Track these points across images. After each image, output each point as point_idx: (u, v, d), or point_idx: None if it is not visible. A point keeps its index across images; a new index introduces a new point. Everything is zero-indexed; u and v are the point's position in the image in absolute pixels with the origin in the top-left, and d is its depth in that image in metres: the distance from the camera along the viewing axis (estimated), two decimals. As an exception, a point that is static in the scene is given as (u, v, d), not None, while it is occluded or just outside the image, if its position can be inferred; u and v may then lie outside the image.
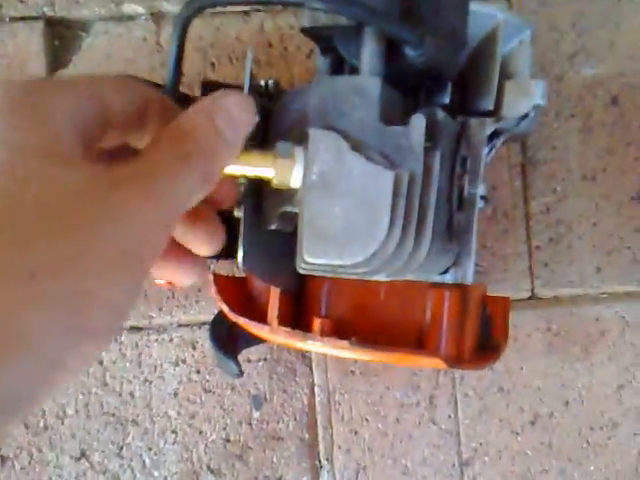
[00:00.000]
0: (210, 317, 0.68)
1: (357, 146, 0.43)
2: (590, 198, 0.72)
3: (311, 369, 0.71)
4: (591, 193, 0.72)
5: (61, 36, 0.71)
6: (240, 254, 0.48)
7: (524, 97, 0.52)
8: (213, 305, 0.70)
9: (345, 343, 0.51)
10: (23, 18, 0.70)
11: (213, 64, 0.71)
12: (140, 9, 0.71)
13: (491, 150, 0.57)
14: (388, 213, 0.42)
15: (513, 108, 0.52)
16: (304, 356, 0.71)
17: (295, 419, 0.71)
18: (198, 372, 0.70)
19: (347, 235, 0.43)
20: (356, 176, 0.43)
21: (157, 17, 0.71)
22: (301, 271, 0.46)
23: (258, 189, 0.49)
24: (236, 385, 0.70)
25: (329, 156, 0.43)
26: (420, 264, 0.44)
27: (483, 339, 0.57)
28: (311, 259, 0.44)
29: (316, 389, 0.71)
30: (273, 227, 0.50)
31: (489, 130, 0.52)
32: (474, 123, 0.51)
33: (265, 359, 0.71)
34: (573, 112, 0.72)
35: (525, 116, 0.53)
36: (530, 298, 0.72)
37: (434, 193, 0.43)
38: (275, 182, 0.45)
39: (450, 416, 0.71)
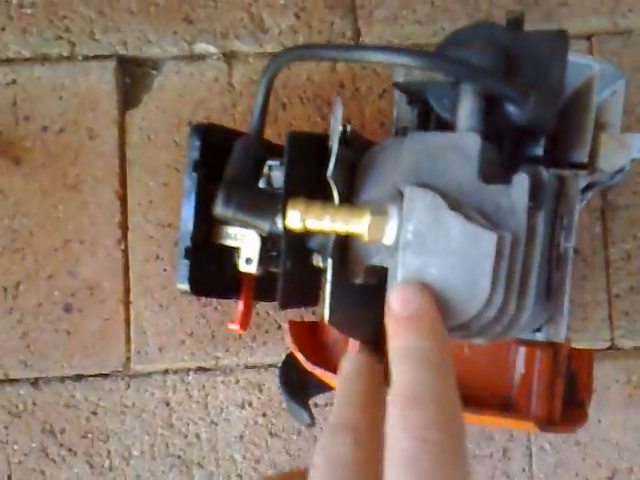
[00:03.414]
0: (277, 359, 0.67)
1: (455, 205, 0.41)
2: (672, 246, 0.69)
3: (379, 416, 0.69)
4: (673, 241, 0.69)
5: (132, 74, 0.71)
6: (327, 310, 0.47)
7: (621, 151, 0.50)
8: (280, 347, 0.68)
9: (429, 402, 0.49)
10: (96, 57, 0.70)
11: (284, 104, 0.70)
12: (212, 49, 0.71)
13: (582, 202, 0.54)
14: (489, 277, 0.40)
15: (610, 162, 0.50)
16: (372, 402, 0.69)
17: (362, 467, 0.68)
18: (264, 415, 0.69)
19: (444, 298, 0.41)
20: (455, 236, 0.41)
21: (229, 57, 0.71)
22: (391, 331, 0.45)
23: (345, 242, 0.48)
24: (302, 430, 0.69)
25: (426, 215, 0.41)
26: (522, 327, 0.42)
27: (567, 395, 0.55)
28: (404, 320, 0.42)
29: (384, 437, 0.69)
30: (358, 281, 0.48)
31: (583, 183, 0.50)
32: (569, 177, 0.49)
33: (332, 404, 0.69)
34: (656, 157, 0.69)
35: (621, 169, 0.51)
36: (609, 348, 0.69)
37: (538, 255, 0.41)
38: (367, 239, 0.44)
39: (524, 469, 0.68)
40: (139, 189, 0.69)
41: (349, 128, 0.51)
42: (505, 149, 0.50)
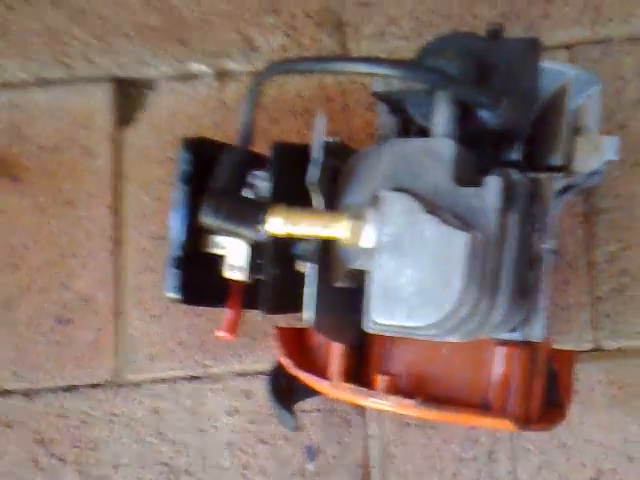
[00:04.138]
0: (265, 367, 0.68)
1: (430, 208, 0.43)
2: (655, 248, 0.70)
3: (365, 420, 0.70)
4: (656, 243, 0.70)
5: (127, 94, 0.73)
6: (309, 313, 0.49)
7: (596, 153, 0.52)
8: (268, 354, 0.70)
9: (411, 402, 0.50)
10: (93, 78, 0.72)
11: (275, 119, 0.72)
12: (205, 68, 0.73)
13: (558, 205, 0.56)
14: (462, 275, 0.42)
15: (585, 164, 0.52)
16: (358, 406, 0.70)
17: (350, 471, 0.70)
18: (252, 422, 0.70)
19: (419, 297, 0.43)
20: (429, 238, 0.43)
21: (221, 75, 0.73)
22: (369, 330, 0.46)
23: (326, 247, 0.50)
24: (290, 436, 0.70)
25: (401, 218, 0.43)
26: (495, 325, 0.44)
27: (548, 395, 0.56)
28: (381, 320, 0.44)
29: (370, 441, 0.70)
30: (340, 284, 0.50)
31: (559, 186, 0.52)
32: (544, 179, 0.51)
33: (319, 410, 0.70)
34: (637, 160, 0.71)
35: (596, 171, 0.53)
36: (593, 350, 0.71)
37: (510, 255, 0.43)
38: (346, 242, 0.46)
39: (510, 472, 0.69)
40: (133, 203, 0.71)
41: (336, 140, 0.53)
42: (483, 154, 0.51)
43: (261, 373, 0.70)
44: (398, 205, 0.43)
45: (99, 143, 0.71)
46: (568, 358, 0.60)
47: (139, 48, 0.73)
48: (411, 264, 0.43)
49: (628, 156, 0.71)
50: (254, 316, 0.70)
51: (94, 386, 0.69)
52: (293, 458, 0.70)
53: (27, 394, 0.69)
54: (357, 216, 0.45)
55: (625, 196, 0.71)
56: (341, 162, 0.52)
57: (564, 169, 0.53)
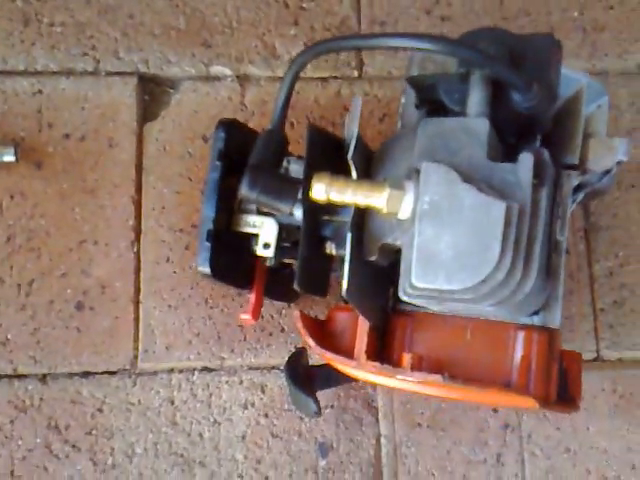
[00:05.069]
0: (280, 361, 0.70)
1: (467, 179, 0.46)
2: (652, 264, 0.74)
3: (377, 419, 0.71)
4: (652, 259, 0.74)
5: (151, 92, 0.76)
6: (344, 284, 0.50)
7: (609, 153, 0.56)
8: (284, 349, 0.71)
9: (437, 378, 0.52)
10: (118, 73, 0.75)
11: (292, 124, 0.76)
12: (227, 71, 0.76)
13: (572, 203, 0.59)
14: (499, 242, 0.44)
15: (598, 163, 0.56)
16: (370, 405, 0.71)
17: (361, 470, 0.70)
18: (266, 416, 0.70)
19: (457, 261, 0.45)
20: (467, 206, 0.45)
21: (242, 79, 0.77)
22: (405, 298, 0.48)
23: (361, 223, 0.52)
24: (303, 431, 0.70)
25: (440, 187, 0.46)
26: (526, 295, 0.46)
27: (559, 391, 0.58)
28: (420, 284, 0.46)
29: (382, 440, 0.71)
30: (373, 258, 0.52)
31: (575, 182, 0.56)
32: (563, 174, 0.54)
33: (332, 406, 0.71)
34: (633, 183, 0.76)
35: (607, 171, 0.57)
36: (595, 359, 0.73)
37: (541, 226, 0.46)
38: (385, 211, 0.48)
39: (517, 475, 0.70)
40: (153, 196, 0.73)
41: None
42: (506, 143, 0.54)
43: (276, 367, 0.71)
44: (437, 175, 0.46)
45: (124, 137, 0.73)
46: (576, 358, 0.62)
47: (164, 47, 0.76)
48: (450, 231, 0.45)
49: (624, 178, 0.76)
50: (271, 311, 0.72)
51: (111, 373, 0.69)
52: (306, 454, 0.70)
53: (43, 379, 0.69)
54: (397, 186, 0.47)
55: (622, 215, 0.76)
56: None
57: (579, 167, 0.56)
